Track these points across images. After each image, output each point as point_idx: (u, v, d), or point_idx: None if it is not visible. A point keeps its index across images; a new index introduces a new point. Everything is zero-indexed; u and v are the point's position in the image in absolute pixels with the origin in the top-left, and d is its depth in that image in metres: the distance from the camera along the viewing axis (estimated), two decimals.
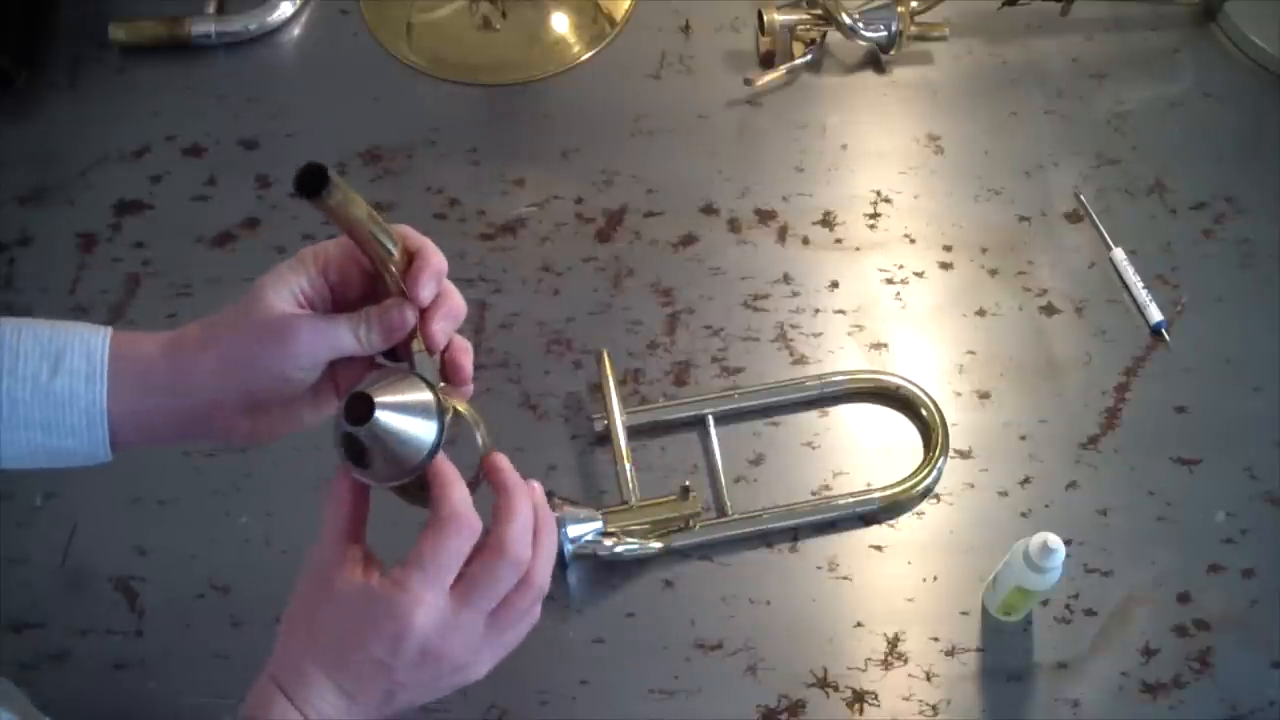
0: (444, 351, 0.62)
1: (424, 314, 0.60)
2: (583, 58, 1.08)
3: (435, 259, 0.59)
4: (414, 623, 0.56)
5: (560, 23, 1.11)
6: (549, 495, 0.82)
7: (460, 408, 0.61)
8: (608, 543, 0.83)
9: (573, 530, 0.81)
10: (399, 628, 0.56)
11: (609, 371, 0.89)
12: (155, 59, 1.06)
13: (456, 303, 0.61)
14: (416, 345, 0.60)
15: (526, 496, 0.60)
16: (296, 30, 1.09)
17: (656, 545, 0.84)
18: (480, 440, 0.62)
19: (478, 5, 1.10)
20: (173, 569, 0.84)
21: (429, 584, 0.56)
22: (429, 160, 1.02)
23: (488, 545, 0.58)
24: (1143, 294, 0.96)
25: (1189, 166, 1.03)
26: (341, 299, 0.61)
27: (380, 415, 0.55)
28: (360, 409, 0.55)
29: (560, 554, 0.81)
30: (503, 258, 0.98)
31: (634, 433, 0.89)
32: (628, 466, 0.86)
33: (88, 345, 0.58)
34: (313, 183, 0.52)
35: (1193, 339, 0.95)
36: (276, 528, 0.86)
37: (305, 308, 0.59)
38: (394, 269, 0.59)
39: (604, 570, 0.85)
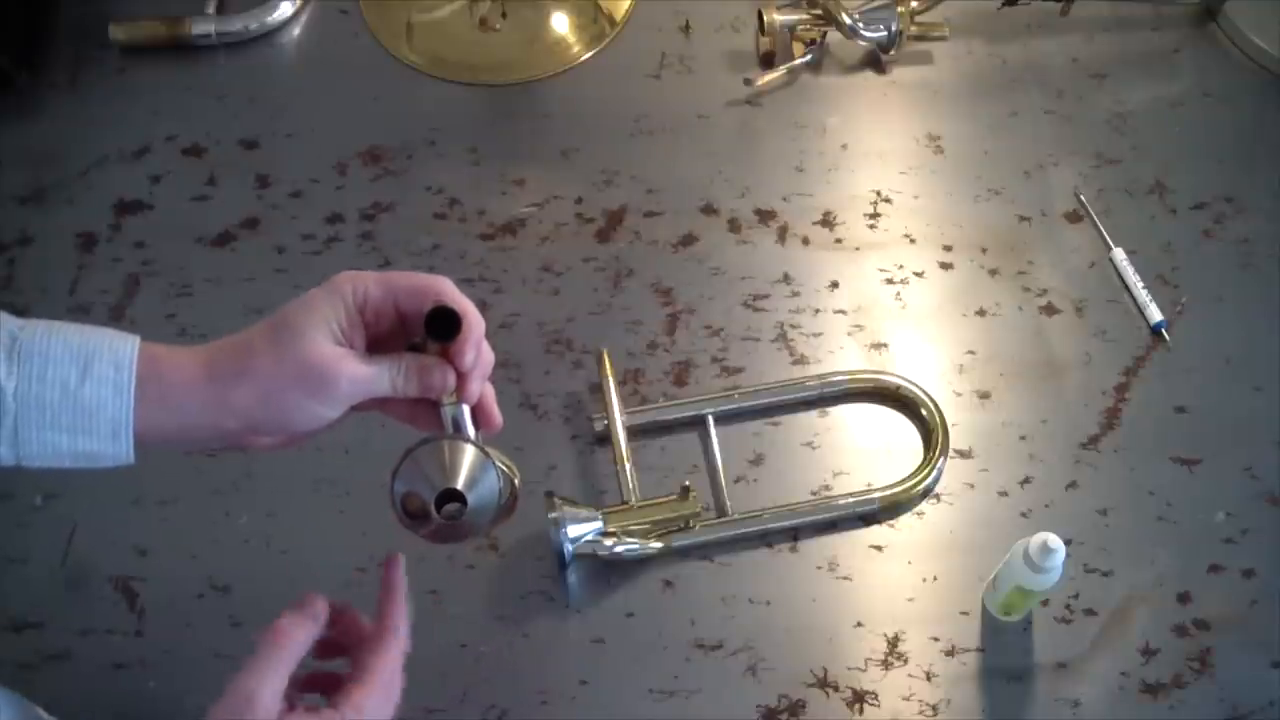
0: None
1: (462, 373, 0.61)
2: (583, 58, 1.08)
3: (478, 328, 0.60)
4: None
5: (560, 23, 1.11)
6: (549, 495, 0.83)
7: (498, 461, 0.62)
8: (608, 543, 0.83)
9: (573, 530, 0.81)
10: None
11: (609, 371, 0.89)
12: (155, 59, 1.06)
13: (490, 358, 0.63)
14: (448, 398, 0.62)
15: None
16: (296, 30, 1.09)
17: (656, 545, 0.84)
18: (502, 481, 0.62)
19: (478, 5, 1.10)
20: (173, 569, 0.84)
21: (381, 704, 0.61)
22: (429, 160, 1.02)
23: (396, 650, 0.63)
24: (1143, 294, 0.96)
25: (1189, 166, 1.03)
26: (374, 335, 0.62)
27: (469, 505, 0.59)
28: (449, 499, 0.59)
29: (560, 554, 0.82)
30: (503, 258, 0.98)
31: (634, 433, 0.89)
32: (628, 466, 0.86)
33: (116, 354, 0.58)
34: (447, 326, 0.57)
35: (1193, 339, 0.95)
36: (276, 528, 0.86)
37: (344, 344, 0.59)
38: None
39: (604, 570, 0.85)
